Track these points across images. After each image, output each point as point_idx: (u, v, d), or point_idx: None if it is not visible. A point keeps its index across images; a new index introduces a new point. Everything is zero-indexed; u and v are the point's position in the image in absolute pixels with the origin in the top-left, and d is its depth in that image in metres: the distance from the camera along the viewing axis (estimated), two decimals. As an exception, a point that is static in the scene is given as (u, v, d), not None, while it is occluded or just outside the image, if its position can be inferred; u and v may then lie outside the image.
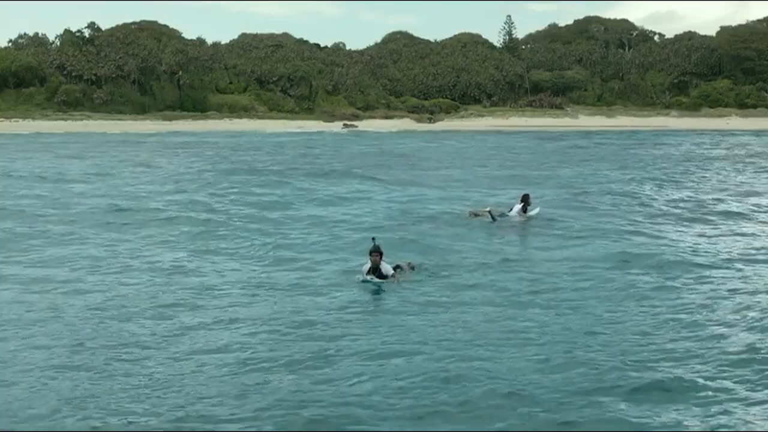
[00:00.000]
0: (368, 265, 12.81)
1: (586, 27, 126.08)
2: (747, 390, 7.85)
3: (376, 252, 12.76)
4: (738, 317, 10.48)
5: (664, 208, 22.15)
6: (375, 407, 7.47)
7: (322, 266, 14.05)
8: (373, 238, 13.16)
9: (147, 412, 7.38)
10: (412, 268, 13.40)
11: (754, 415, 7.26)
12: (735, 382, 8.05)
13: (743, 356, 8.80)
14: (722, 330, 9.87)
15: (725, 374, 8.28)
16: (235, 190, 26.02)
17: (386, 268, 12.77)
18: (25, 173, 31.63)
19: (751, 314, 10.55)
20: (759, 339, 9.45)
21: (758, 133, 73.64)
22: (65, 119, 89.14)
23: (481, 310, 11.00)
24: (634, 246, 15.88)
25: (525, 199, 19.96)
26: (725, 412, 7.30)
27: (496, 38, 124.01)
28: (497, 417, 7.28)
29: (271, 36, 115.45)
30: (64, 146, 52.83)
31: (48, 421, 7.26)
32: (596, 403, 7.51)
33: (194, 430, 6.96)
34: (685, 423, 7.11)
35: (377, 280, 12.63)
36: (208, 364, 8.74)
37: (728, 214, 20.83)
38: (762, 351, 8.94)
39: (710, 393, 7.72)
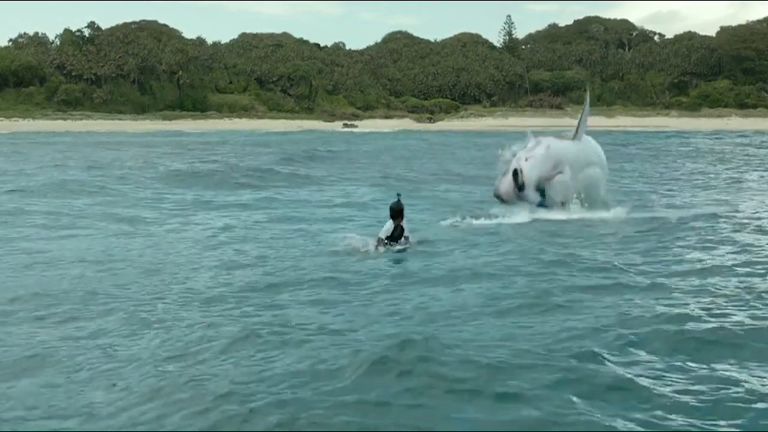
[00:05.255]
0: (391, 227, 12.01)
1: (586, 27, 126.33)
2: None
3: (402, 208, 11.98)
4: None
5: (664, 209, 22.15)
6: (383, 410, 7.47)
7: (324, 266, 14.02)
8: (398, 195, 12.48)
9: (148, 411, 7.38)
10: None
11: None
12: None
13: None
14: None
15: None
16: (235, 190, 26.04)
17: (406, 229, 12.10)
18: (23, 173, 31.65)
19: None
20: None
21: (758, 134, 73.68)
22: (65, 119, 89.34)
23: (479, 305, 10.99)
24: (633, 248, 15.83)
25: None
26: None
27: (496, 38, 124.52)
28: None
29: (271, 36, 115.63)
30: (63, 146, 52.83)
31: (48, 420, 7.25)
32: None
33: (199, 430, 6.96)
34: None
35: (395, 247, 11.96)
36: (208, 364, 8.74)
37: (730, 215, 20.83)
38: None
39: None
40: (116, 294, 10.85)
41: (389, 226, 12.13)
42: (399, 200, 12.12)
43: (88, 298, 10.61)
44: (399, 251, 12.01)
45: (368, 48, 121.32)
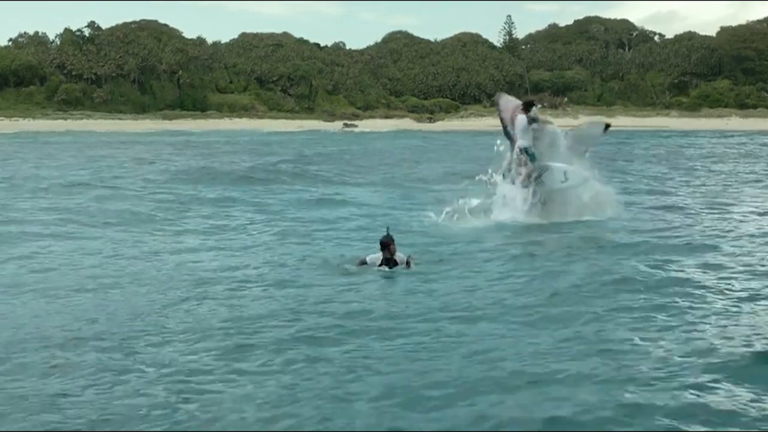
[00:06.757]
0: (380, 257, 12.31)
1: (586, 27, 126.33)
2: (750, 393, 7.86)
3: (390, 241, 12.23)
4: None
5: (663, 209, 22.18)
6: (384, 413, 7.49)
7: (326, 266, 14.04)
8: (387, 228, 12.86)
9: (149, 410, 7.39)
10: (408, 264, 13.19)
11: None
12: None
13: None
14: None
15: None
16: (235, 191, 26.06)
17: (401, 256, 12.29)
18: (24, 174, 31.67)
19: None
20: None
21: (758, 134, 73.71)
22: (65, 118, 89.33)
23: (477, 305, 11.01)
24: (631, 247, 15.86)
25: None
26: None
27: (496, 38, 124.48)
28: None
29: (272, 35, 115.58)
30: (63, 146, 52.85)
31: (47, 421, 7.26)
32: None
33: (200, 430, 6.98)
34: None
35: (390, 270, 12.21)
36: (210, 361, 8.76)
37: (730, 215, 20.86)
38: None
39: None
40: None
41: (376, 255, 12.40)
42: (388, 233, 12.39)
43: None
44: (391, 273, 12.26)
45: (368, 48, 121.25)
